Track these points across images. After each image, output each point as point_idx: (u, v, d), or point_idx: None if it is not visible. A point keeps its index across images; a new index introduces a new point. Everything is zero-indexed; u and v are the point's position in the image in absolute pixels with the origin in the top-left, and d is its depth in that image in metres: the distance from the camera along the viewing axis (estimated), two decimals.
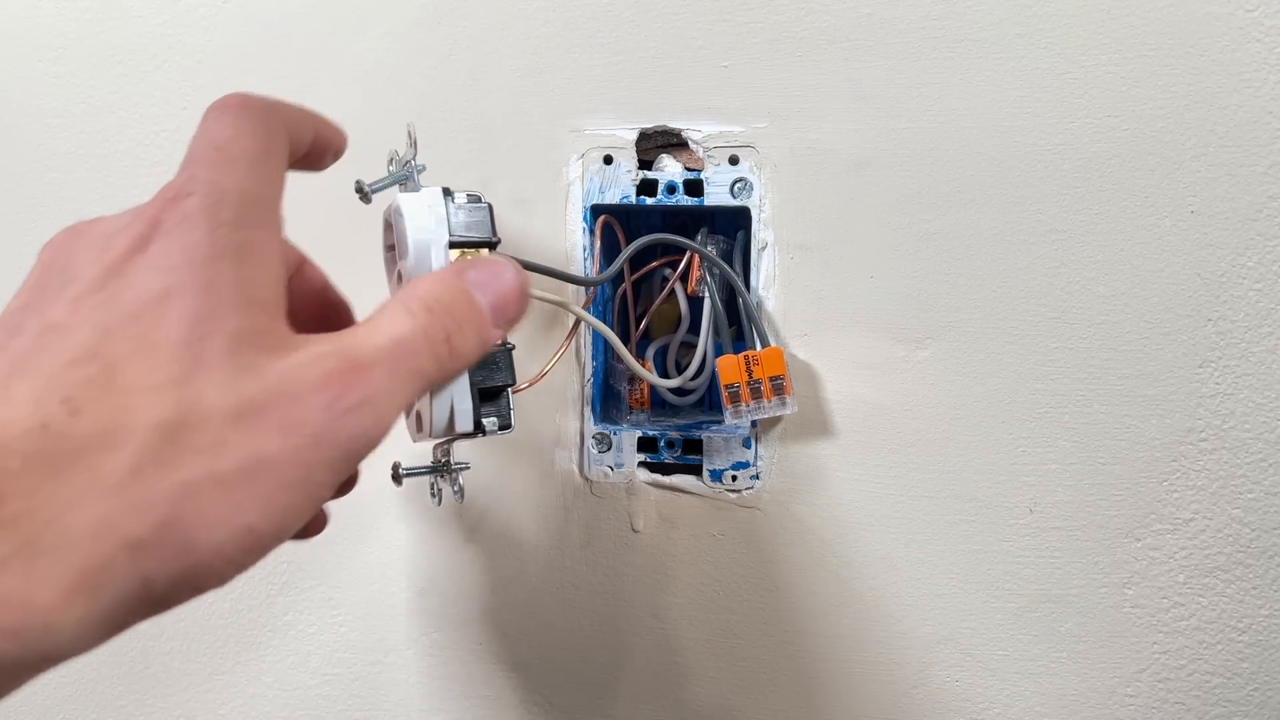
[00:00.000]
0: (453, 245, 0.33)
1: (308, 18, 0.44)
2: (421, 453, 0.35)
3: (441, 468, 0.35)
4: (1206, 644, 0.41)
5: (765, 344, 0.40)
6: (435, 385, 0.27)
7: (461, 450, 0.35)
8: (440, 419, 0.33)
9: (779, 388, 0.39)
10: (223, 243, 0.24)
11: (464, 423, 0.33)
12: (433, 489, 0.36)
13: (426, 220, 0.33)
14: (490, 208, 0.34)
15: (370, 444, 0.23)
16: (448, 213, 0.33)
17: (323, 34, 0.44)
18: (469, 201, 0.34)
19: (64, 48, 0.45)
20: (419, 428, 0.34)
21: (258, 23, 0.44)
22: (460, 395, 0.33)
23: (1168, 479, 0.40)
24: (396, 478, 0.35)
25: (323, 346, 0.24)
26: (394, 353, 0.25)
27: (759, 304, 0.42)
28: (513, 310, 0.28)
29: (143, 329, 0.22)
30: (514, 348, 0.34)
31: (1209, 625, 0.41)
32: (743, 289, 0.41)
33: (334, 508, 0.46)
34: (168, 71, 0.45)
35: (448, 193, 0.34)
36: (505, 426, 0.34)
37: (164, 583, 0.21)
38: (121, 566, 0.20)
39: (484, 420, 0.34)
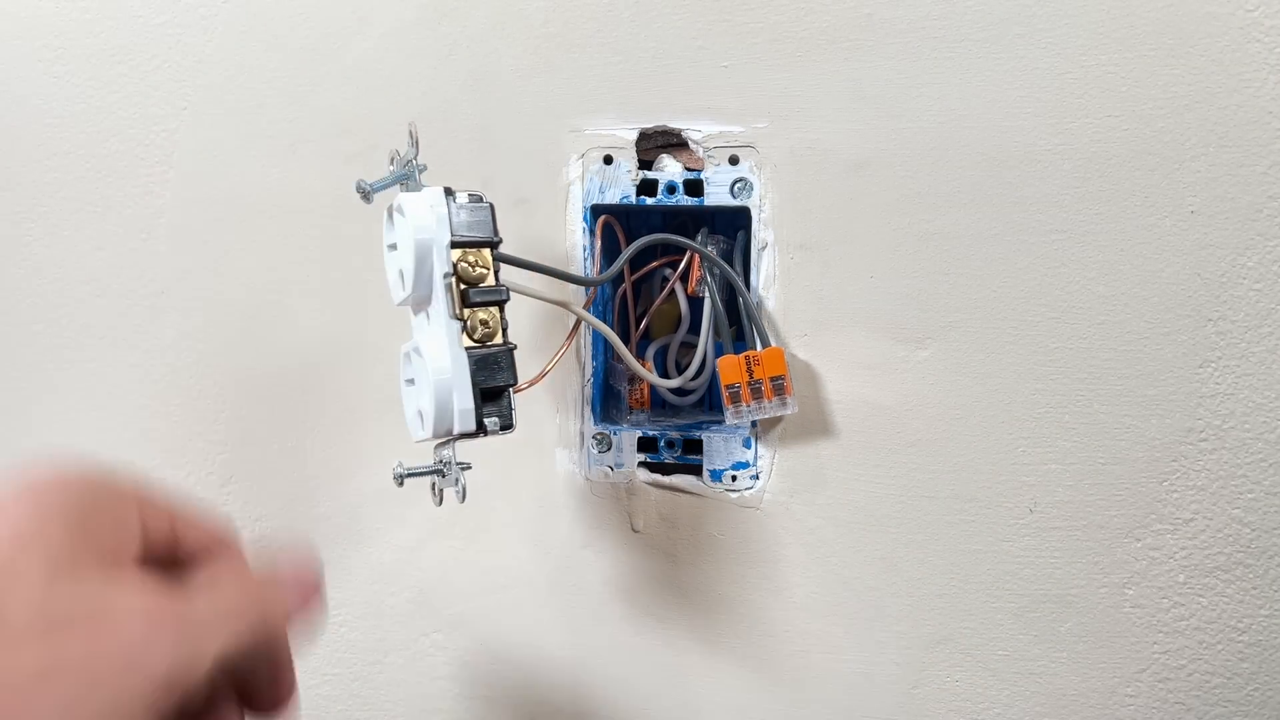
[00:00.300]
0: (454, 245, 0.33)
1: (308, 18, 0.44)
2: (424, 454, 0.35)
3: (443, 468, 0.35)
4: (1206, 644, 0.41)
5: (766, 344, 0.40)
6: (230, 660, 0.26)
7: (461, 450, 0.35)
8: (442, 419, 0.33)
9: (780, 388, 0.39)
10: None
11: (466, 423, 0.33)
12: (434, 489, 0.36)
13: (428, 220, 0.33)
14: (491, 207, 0.34)
15: (169, 679, 0.22)
16: (449, 212, 0.33)
17: (323, 34, 0.44)
18: (470, 201, 0.34)
19: (64, 48, 0.45)
20: (421, 428, 0.34)
21: (258, 23, 0.44)
22: (462, 395, 0.33)
23: (1168, 479, 0.40)
24: (398, 479, 0.35)
25: (150, 582, 0.24)
26: (216, 603, 0.25)
27: (759, 304, 0.42)
28: (306, 595, 0.28)
29: None
30: (515, 347, 0.34)
31: (1209, 625, 0.41)
32: (743, 289, 0.41)
33: (333, 507, 0.46)
34: (168, 71, 0.45)
35: (449, 192, 0.34)
36: (507, 426, 0.34)
37: None
38: None
39: (485, 420, 0.34)
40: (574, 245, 0.43)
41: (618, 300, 0.46)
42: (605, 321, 0.45)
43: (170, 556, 0.27)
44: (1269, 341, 0.39)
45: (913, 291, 0.41)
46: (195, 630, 0.24)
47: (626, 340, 0.46)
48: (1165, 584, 0.41)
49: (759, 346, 0.40)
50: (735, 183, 0.42)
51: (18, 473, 0.24)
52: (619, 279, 0.46)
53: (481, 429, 0.33)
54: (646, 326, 0.46)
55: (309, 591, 0.28)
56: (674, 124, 0.42)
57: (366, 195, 0.35)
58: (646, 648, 0.44)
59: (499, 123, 0.43)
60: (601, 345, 0.45)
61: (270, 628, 0.27)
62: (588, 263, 0.43)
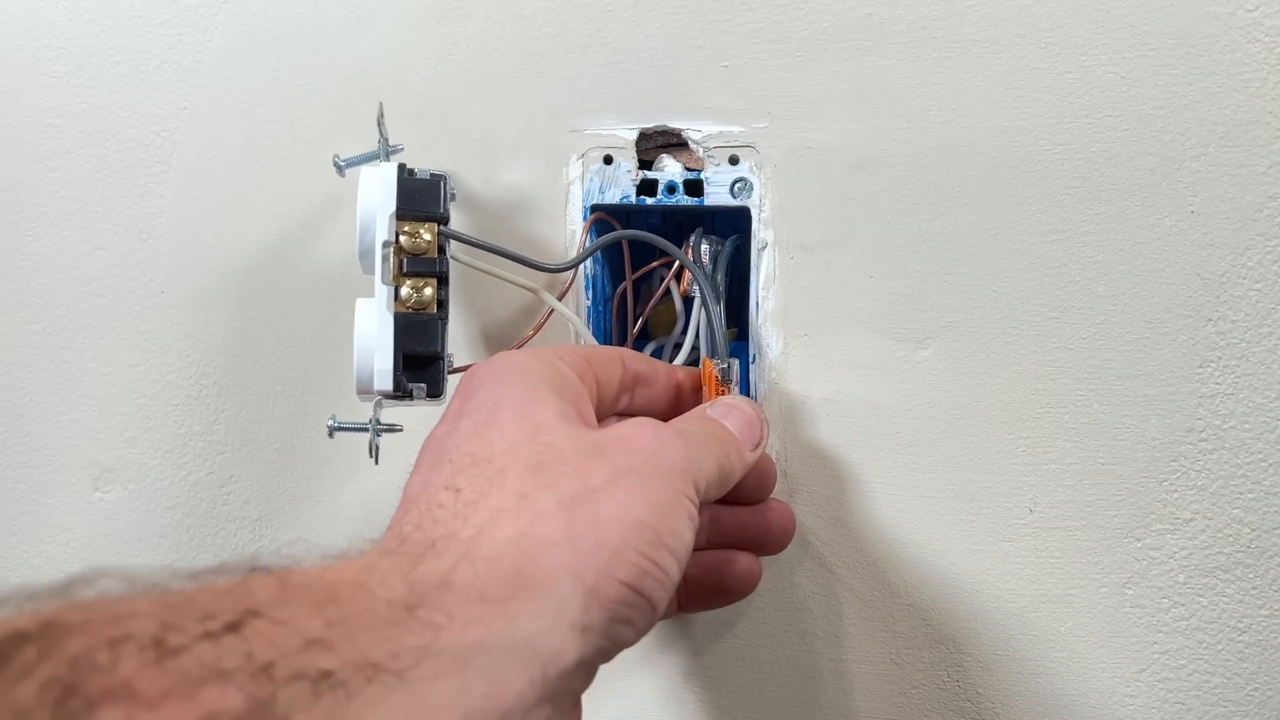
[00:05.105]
0: (399, 216, 0.35)
1: (308, 18, 0.44)
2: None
3: (369, 425, 0.36)
4: (1206, 644, 0.41)
5: (721, 354, 0.39)
6: (714, 482, 0.32)
7: (391, 414, 0.36)
8: (363, 376, 0.35)
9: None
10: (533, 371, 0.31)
11: (384, 382, 0.35)
12: (370, 448, 0.36)
13: (376, 190, 0.35)
14: (442, 183, 0.36)
15: (692, 475, 0.29)
16: (399, 185, 0.35)
17: (323, 34, 0.44)
18: (429, 179, 0.36)
19: (64, 48, 0.45)
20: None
21: (258, 23, 0.44)
22: (382, 355, 0.35)
23: (1168, 479, 0.40)
24: (330, 431, 0.36)
25: (634, 418, 0.31)
26: (693, 428, 0.32)
27: (758, 305, 0.42)
28: (756, 432, 0.35)
29: (484, 430, 0.28)
30: (444, 320, 0.36)
31: (1209, 625, 0.41)
32: (710, 296, 0.40)
33: (333, 508, 0.46)
34: (168, 71, 0.45)
35: (405, 168, 0.36)
36: (436, 395, 0.36)
37: (599, 579, 0.24)
38: (559, 567, 0.24)
39: (411, 385, 0.35)
40: (573, 245, 0.43)
41: (616, 300, 0.46)
42: (604, 321, 0.45)
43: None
44: (1269, 341, 0.39)
45: (913, 291, 0.41)
46: (691, 443, 0.30)
47: (624, 340, 0.46)
48: (1165, 584, 0.41)
49: (713, 356, 0.39)
50: (735, 183, 0.42)
51: (497, 363, 0.31)
52: (619, 278, 0.46)
53: (403, 391, 0.35)
54: (645, 327, 0.46)
55: (755, 435, 0.34)
56: (674, 124, 0.42)
57: (340, 170, 0.37)
58: (639, 646, 0.44)
59: (499, 123, 0.43)
60: (604, 337, 0.45)
61: (732, 463, 0.33)
62: (587, 262, 0.43)
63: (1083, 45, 0.39)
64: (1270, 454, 0.39)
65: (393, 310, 0.35)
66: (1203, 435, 0.40)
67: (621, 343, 0.46)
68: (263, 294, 0.45)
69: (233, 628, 0.19)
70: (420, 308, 0.35)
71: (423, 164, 0.38)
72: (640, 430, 0.29)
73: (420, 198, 0.36)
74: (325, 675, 0.19)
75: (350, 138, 0.44)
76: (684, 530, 0.27)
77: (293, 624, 0.20)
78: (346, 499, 0.46)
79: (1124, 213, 0.39)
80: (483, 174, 0.43)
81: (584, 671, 0.24)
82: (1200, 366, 0.39)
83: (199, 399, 0.46)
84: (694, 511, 0.28)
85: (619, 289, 0.46)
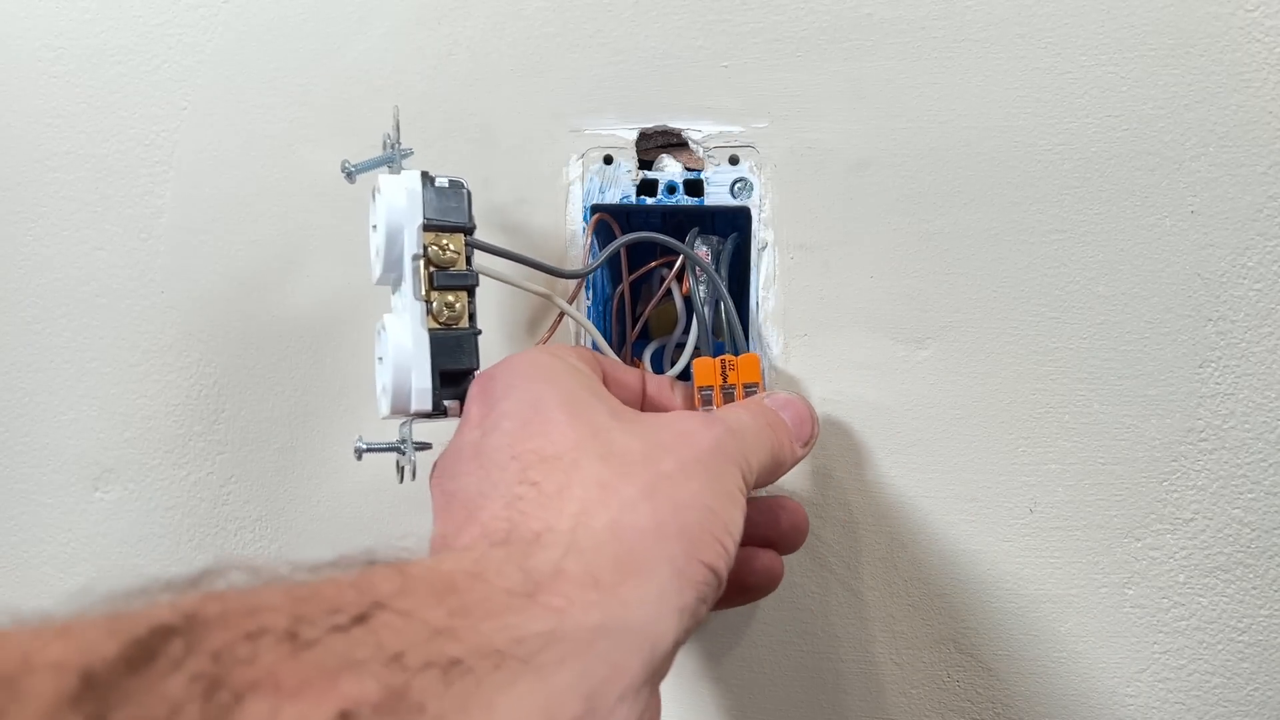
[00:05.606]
0: (426, 228, 0.34)
1: (308, 18, 0.44)
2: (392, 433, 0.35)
3: (401, 446, 0.35)
4: (1206, 644, 0.41)
5: (743, 349, 0.40)
6: (765, 475, 0.32)
7: (429, 434, 0.35)
8: (400, 396, 0.34)
9: (752, 394, 0.39)
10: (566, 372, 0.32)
11: (422, 402, 0.34)
12: (398, 467, 0.36)
13: (401, 201, 0.34)
14: (468, 193, 0.35)
15: (742, 468, 0.30)
16: (424, 195, 0.34)
17: (323, 34, 0.44)
18: (450, 187, 0.35)
19: (64, 48, 0.45)
20: (384, 404, 0.35)
21: (258, 23, 0.44)
22: (420, 375, 0.34)
23: (1168, 479, 0.40)
24: (357, 454, 0.35)
25: (678, 412, 0.32)
26: (746, 419, 0.33)
27: (758, 305, 0.42)
28: (808, 429, 0.36)
29: (537, 427, 0.29)
30: (480, 333, 0.35)
31: (1209, 625, 0.41)
32: (723, 292, 0.40)
33: (332, 509, 0.46)
34: (168, 71, 0.45)
35: (428, 176, 0.35)
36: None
37: (686, 562, 0.25)
38: (654, 552, 0.25)
39: (446, 402, 0.34)
40: (573, 245, 0.43)
41: (615, 300, 0.46)
42: (604, 321, 0.45)
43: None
44: (1269, 341, 0.39)
45: (913, 291, 0.41)
46: (743, 437, 0.31)
47: (624, 340, 0.46)
48: (1165, 584, 0.41)
49: (737, 351, 0.40)
50: (735, 183, 0.42)
51: (518, 363, 0.32)
52: (617, 278, 0.46)
53: (440, 410, 0.34)
54: (645, 327, 0.46)
55: (806, 431, 0.35)
56: (674, 124, 0.42)
57: (350, 176, 0.36)
58: None
59: (499, 123, 0.43)
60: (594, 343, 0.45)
61: (783, 456, 0.33)
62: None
63: (1083, 45, 0.39)
64: (1270, 454, 0.39)
65: (427, 327, 0.34)
66: (1203, 435, 0.40)
67: (622, 343, 0.46)
68: (263, 294, 0.45)
69: (361, 619, 0.20)
70: (453, 322, 0.34)
71: (423, 164, 0.38)
72: (696, 423, 0.30)
73: (447, 208, 0.35)
74: (455, 663, 0.20)
75: (350, 138, 0.44)
76: (738, 517, 0.28)
77: (418, 614, 0.20)
78: (347, 499, 0.46)
79: (1124, 213, 0.39)
80: (483, 174, 0.43)
81: (675, 652, 0.26)
82: (1200, 366, 0.39)
83: (199, 399, 0.46)
84: (743, 501, 0.29)
85: (617, 290, 0.46)
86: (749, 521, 0.37)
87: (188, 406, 0.47)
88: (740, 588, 0.38)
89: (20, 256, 0.47)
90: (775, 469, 0.33)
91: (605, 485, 0.26)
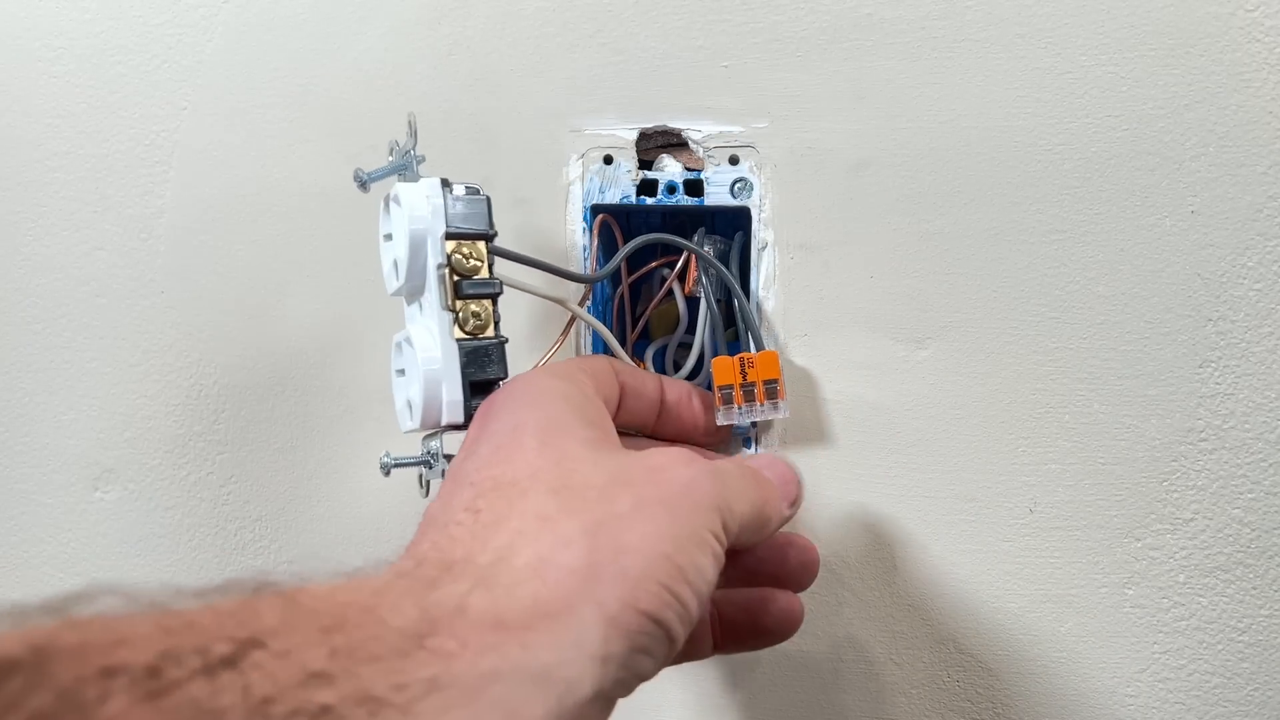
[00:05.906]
0: (449, 236, 0.33)
1: (308, 18, 0.44)
2: (412, 445, 0.35)
3: (429, 459, 0.35)
4: (1206, 644, 0.41)
5: (760, 347, 0.40)
6: (750, 529, 0.30)
7: (451, 444, 0.35)
8: (431, 410, 0.33)
9: (772, 391, 0.39)
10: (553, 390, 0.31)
11: (454, 414, 0.33)
12: (421, 480, 0.36)
13: (423, 210, 0.33)
14: (488, 200, 0.34)
15: (721, 513, 0.28)
16: (445, 204, 0.33)
17: (323, 34, 0.44)
18: (467, 194, 0.34)
19: (64, 48, 0.45)
20: (410, 418, 0.34)
21: (258, 23, 0.44)
22: (451, 387, 0.33)
23: (1168, 479, 0.40)
24: (384, 469, 0.35)
25: (667, 447, 0.30)
26: (730, 466, 0.31)
27: (758, 305, 0.42)
28: (794, 489, 0.34)
29: (505, 453, 0.28)
30: (506, 341, 0.34)
31: (1209, 625, 0.41)
32: (738, 291, 0.41)
33: (333, 508, 0.46)
34: (168, 71, 0.45)
35: (446, 184, 0.34)
36: None
37: (620, 609, 0.24)
38: (579, 594, 0.23)
39: (475, 413, 0.34)
40: (574, 245, 0.43)
41: (615, 301, 0.46)
42: (604, 322, 0.45)
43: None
44: (1269, 341, 0.39)
45: (913, 291, 0.41)
46: (725, 481, 0.29)
47: (624, 341, 0.46)
48: (1165, 584, 0.41)
49: (754, 349, 0.40)
50: (735, 183, 0.42)
51: (515, 386, 0.31)
52: (617, 279, 0.46)
53: (470, 422, 0.33)
54: (645, 327, 0.46)
55: (793, 492, 0.34)
56: (674, 124, 0.42)
57: (364, 185, 0.35)
58: None
59: (499, 123, 0.43)
60: (601, 345, 0.45)
61: (769, 512, 0.32)
62: (586, 263, 0.43)
63: (1083, 45, 0.39)
64: (1270, 454, 0.39)
65: (455, 337, 0.33)
66: (1203, 435, 0.40)
67: (622, 343, 0.46)
68: (263, 294, 0.45)
69: (230, 662, 0.18)
70: (479, 331, 0.33)
71: (419, 154, 0.38)
72: (673, 460, 0.28)
73: (469, 215, 0.34)
74: (325, 710, 0.18)
75: (350, 138, 0.44)
76: (707, 566, 0.26)
77: (295, 655, 0.19)
78: (346, 499, 0.46)
79: (1124, 213, 0.39)
80: (483, 174, 0.43)
81: (602, 703, 0.24)
82: (1200, 366, 0.39)
83: (199, 399, 0.46)
84: (718, 549, 0.27)
85: (617, 291, 0.46)
86: (754, 559, 0.35)
87: (188, 406, 0.47)
88: (755, 630, 0.36)
89: (20, 256, 0.47)
90: (761, 525, 0.31)
91: (546, 519, 0.25)
